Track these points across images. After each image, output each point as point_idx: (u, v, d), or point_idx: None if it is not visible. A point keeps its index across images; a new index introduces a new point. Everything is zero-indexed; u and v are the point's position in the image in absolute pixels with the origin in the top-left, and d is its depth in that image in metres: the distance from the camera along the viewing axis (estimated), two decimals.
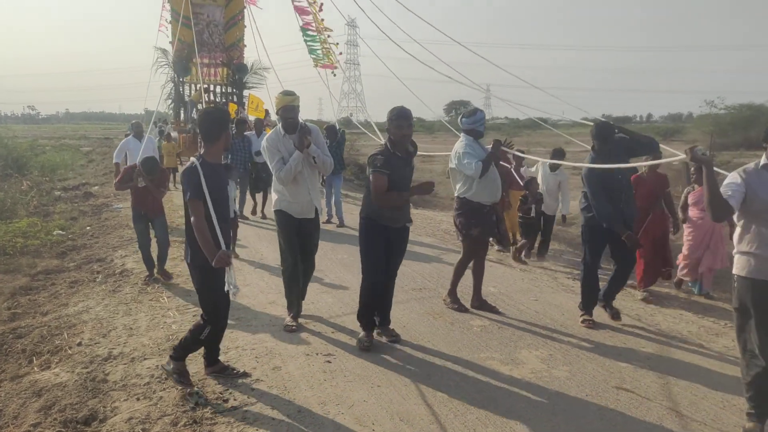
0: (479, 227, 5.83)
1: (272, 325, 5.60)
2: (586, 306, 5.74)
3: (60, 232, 10.58)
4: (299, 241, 5.47)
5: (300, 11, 16.28)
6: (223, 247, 3.96)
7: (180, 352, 4.30)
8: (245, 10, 21.72)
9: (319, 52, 16.26)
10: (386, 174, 4.77)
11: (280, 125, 5.40)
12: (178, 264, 7.71)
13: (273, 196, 5.55)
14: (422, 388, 4.24)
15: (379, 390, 4.22)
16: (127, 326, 5.66)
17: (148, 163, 7.08)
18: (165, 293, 6.68)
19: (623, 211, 5.45)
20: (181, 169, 11.91)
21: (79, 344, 5.24)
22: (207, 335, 4.22)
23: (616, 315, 5.78)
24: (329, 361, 4.74)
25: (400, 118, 4.85)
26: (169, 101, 23.65)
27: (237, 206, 9.38)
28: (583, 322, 5.66)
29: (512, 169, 8.82)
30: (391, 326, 5.29)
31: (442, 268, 7.55)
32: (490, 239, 6.64)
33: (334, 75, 16.74)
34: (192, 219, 3.96)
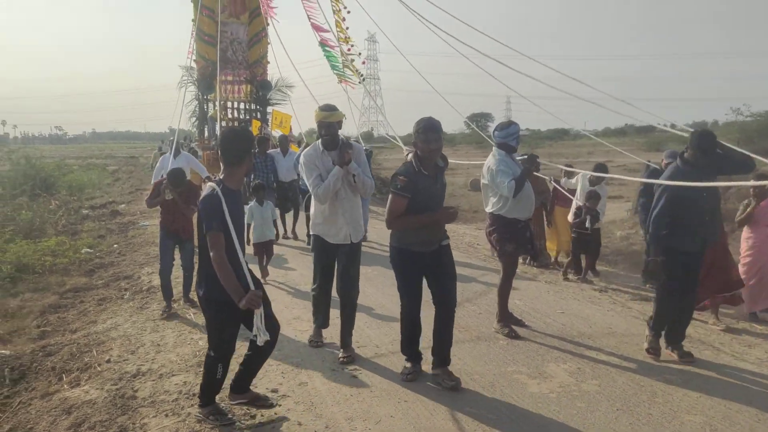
0: (514, 243, 5.64)
1: (297, 340, 5.60)
2: (658, 334, 5.14)
3: (88, 250, 10.74)
4: (339, 267, 5.13)
5: (317, 28, 16.34)
6: (252, 285, 3.65)
7: (205, 398, 4.03)
8: (269, 27, 21.96)
9: (341, 67, 16.23)
10: (406, 197, 4.31)
11: (319, 142, 5.08)
12: None
13: (311, 219, 5.25)
14: (450, 403, 4.21)
15: (406, 405, 4.20)
16: (154, 343, 5.71)
17: (173, 175, 6.78)
18: (191, 310, 6.74)
19: (705, 230, 4.91)
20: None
21: (108, 361, 5.29)
22: (222, 372, 3.94)
23: (685, 356, 4.98)
24: (355, 376, 4.72)
25: (428, 130, 4.35)
26: (194, 119, 23.96)
27: (275, 229, 8.65)
28: (648, 348, 5.10)
29: (559, 185, 8.48)
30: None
31: (465, 281, 7.51)
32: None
33: (362, 80, 16.54)
34: (212, 253, 3.59)
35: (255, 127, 16.05)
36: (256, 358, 4.08)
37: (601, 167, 8.23)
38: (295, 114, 14.31)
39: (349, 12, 15.33)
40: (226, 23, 21.58)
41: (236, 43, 22.52)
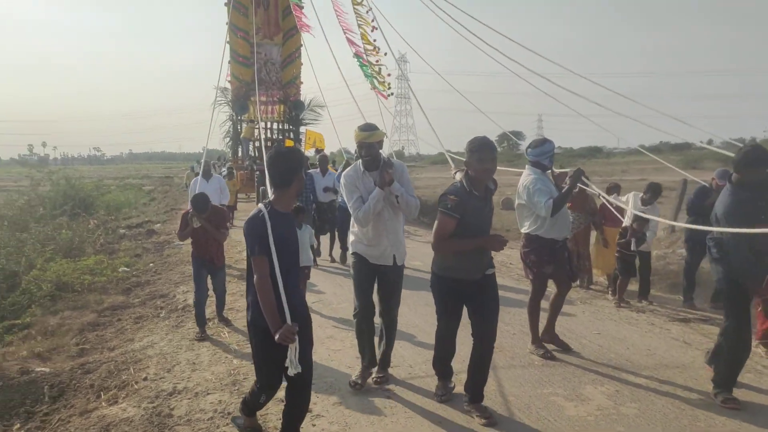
0: (552, 264, 5.47)
1: (331, 360, 5.60)
2: (729, 381, 4.52)
3: (125, 268, 10.94)
4: (379, 290, 4.89)
5: (351, 43, 16.33)
6: (288, 319, 3.40)
7: (247, 410, 3.98)
8: (302, 48, 22.12)
9: (374, 79, 16.07)
10: (456, 218, 4.09)
11: (360, 163, 4.84)
12: (237, 299, 7.83)
13: (350, 237, 4.97)
14: (485, 425, 4.15)
15: (441, 426, 4.16)
16: (190, 361, 5.77)
17: (196, 201, 6.63)
18: (225, 329, 6.79)
19: None
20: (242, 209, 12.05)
21: (145, 379, 5.36)
22: (265, 401, 3.84)
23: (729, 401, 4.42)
24: (389, 397, 4.70)
25: (483, 149, 4.13)
26: (227, 139, 24.32)
27: (312, 254, 8.08)
28: (724, 402, 4.39)
29: (608, 203, 7.77)
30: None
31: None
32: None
33: (391, 93, 16.50)
34: (255, 278, 3.44)
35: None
36: (292, 407, 3.74)
37: (654, 187, 7.83)
38: (336, 132, 14.32)
39: (374, 29, 15.37)
40: (260, 44, 21.80)
41: (270, 64, 22.87)
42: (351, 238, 4.92)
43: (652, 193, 7.78)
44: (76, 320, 7.74)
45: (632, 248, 7.50)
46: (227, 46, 22.21)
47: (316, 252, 10.02)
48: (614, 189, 8.66)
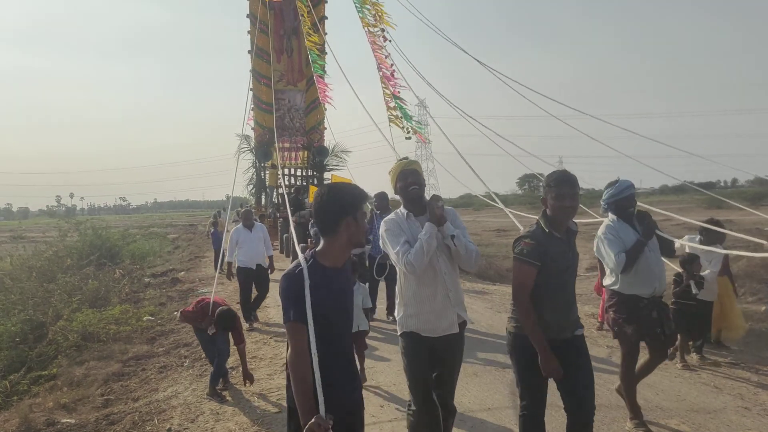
0: (634, 324, 4.64)
1: None
2: None
3: (150, 318, 11.03)
4: (437, 372, 3.78)
5: (388, 78, 16.30)
6: (322, 409, 2.53)
7: None
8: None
9: (413, 119, 15.75)
10: (536, 266, 3.49)
11: (402, 207, 3.94)
12: (260, 348, 7.82)
13: (398, 310, 3.88)
14: None
15: None
16: (213, 411, 5.76)
17: (224, 319, 6.14)
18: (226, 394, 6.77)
19: None
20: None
21: (169, 430, 5.36)
22: None
23: None
24: None
25: (562, 184, 3.54)
26: (251, 186, 24.58)
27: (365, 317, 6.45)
28: None
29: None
30: None
31: None
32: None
33: (408, 137, 16.45)
34: (289, 350, 2.68)
35: (312, 194, 16.28)
36: None
37: (714, 223, 6.75)
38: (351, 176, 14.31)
39: (393, 72, 15.49)
40: (283, 91, 22.21)
41: (293, 111, 23.25)
42: (400, 312, 3.84)
43: (710, 230, 6.60)
44: (101, 370, 7.80)
45: (694, 291, 6.45)
46: (250, 93, 22.72)
47: (370, 313, 7.95)
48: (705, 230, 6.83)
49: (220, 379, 6.40)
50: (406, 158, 4.04)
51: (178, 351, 8.50)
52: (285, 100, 22.75)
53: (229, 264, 9.53)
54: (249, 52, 22.49)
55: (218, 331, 6.18)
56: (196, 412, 5.78)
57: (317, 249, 2.82)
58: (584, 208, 7.99)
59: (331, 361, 2.71)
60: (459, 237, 3.72)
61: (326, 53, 18.04)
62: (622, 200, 4.70)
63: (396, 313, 3.88)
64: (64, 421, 5.98)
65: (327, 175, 22.92)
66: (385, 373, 6.46)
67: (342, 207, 2.76)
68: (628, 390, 4.78)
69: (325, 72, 16.09)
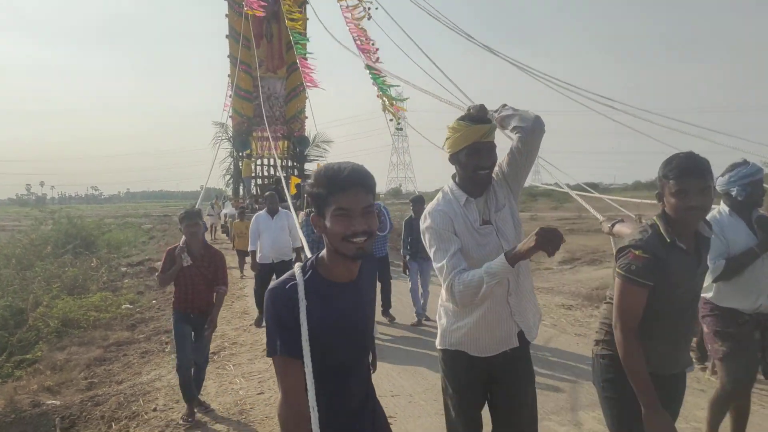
0: (730, 343, 3.73)
1: None
2: None
3: (128, 306, 11.14)
4: (495, 400, 2.89)
5: (363, 50, 16.04)
6: None
7: None
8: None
9: (387, 88, 15.42)
10: (648, 287, 2.51)
11: (450, 184, 2.91)
12: (240, 335, 8.02)
13: (441, 318, 2.94)
14: None
15: None
16: None
17: (189, 215, 5.37)
18: (231, 361, 6.99)
19: None
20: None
21: (155, 409, 5.56)
22: None
23: None
24: None
25: (685, 174, 2.48)
26: (228, 177, 24.02)
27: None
28: None
29: None
30: None
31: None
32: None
33: (398, 126, 16.15)
34: (280, 395, 1.94)
35: (293, 185, 15.97)
36: None
37: None
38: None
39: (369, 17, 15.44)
40: (263, 78, 20.95)
41: (273, 98, 22.32)
42: (442, 320, 2.92)
43: None
44: (83, 355, 7.93)
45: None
46: (228, 80, 21.97)
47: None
48: None
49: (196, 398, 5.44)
50: (480, 116, 2.79)
51: (159, 337, 8.66)
52: (265, 87, 21.54)
53: (253, 253, 8.69)
54: (227, 36, 21.76)
55: (188, 233, 5.25)
56: (180, 393, 5.98)
57: (319, 255, 2.07)
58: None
59: (339, 410, 2.05)
60: (510, 111, 2.84)
61: (308, 40, 17.67)
62: (758, 182, 3.73)
63: (437, 318, 2.97)
64: (50, 402, 6.12)
65: (307, 165, 22.48)
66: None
67: (326, 187, 1.95)
68: (712, 416, 3.89)
69: (307, 51, 15.70)
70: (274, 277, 8.28)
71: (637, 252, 2.52)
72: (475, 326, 2.76)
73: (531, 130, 2.73)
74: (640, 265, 2.50)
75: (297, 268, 2.03)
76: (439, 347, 2.92)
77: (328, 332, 1.96)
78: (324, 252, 2.04)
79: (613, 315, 2.61)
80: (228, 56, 21.41)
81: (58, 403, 6.13)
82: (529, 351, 2.91)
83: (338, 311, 2.00)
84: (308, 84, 14.75)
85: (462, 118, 2.80)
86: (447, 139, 2.83)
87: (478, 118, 2.77)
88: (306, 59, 15.14)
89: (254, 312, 9.40)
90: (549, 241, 2.28)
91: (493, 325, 2.76)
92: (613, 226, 3.22)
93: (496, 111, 2.86)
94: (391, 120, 15.07)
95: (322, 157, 22.77)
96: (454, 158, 2.84)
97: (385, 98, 14.32)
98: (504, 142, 2.88)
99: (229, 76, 22.25)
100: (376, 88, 14.45)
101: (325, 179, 1.91)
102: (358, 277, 2.07)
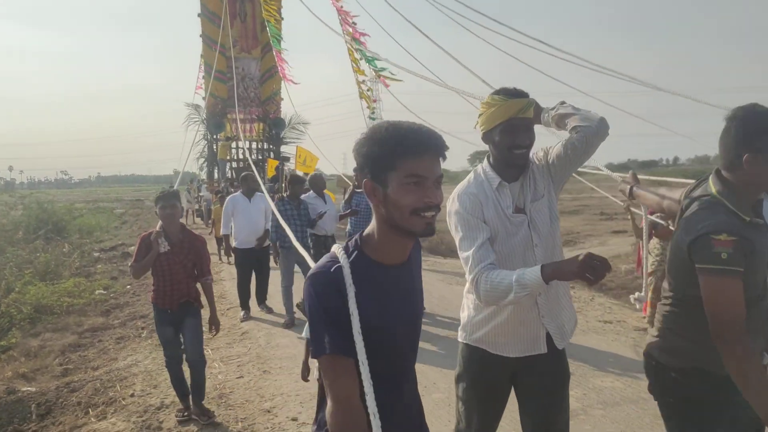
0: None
1: None
2: None
3: (102, 291, 11.00)
4: (527, 411, 2.69)
5: (346, 24, 15.71)
6: None
7: None
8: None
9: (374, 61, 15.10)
10: (740, 273, 2.08)
11: (483, 165, 2.66)
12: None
13: (463, 311, 2.74)
14: None
15: None
16: None
17: (167, 195, 4.76)
18: (209, 346, 6.94)
19: None
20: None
21: (132, 395, 5.51)
22: None
23: None
24: None
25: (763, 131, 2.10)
26: (202, 160, 23.50)
27: None
28: None
29: None
30: None
31: None
32: None
33: (372, 114, 15.91)
34: (328, 403, 1.60)
35: (271, 168, 15.66)
36: None
37: None
38: (322, 154, 13.50)
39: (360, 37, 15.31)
40: (237, 58, 20.24)
41: (248, 80, 21.74)
42: (464, 312, 2.72)
43: None
44: (57, 342, 7.83)
45: None
46: (201, 60, 21.33)
47: None
48: None
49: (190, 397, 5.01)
50: (518, 91, 2.55)
51: (135, 323, 8.58)
52: (239, 68, 21.09)
53: (226, 237, 8.36)
54: (199, 15, 21.06)
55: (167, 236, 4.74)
56: (158, 378, 5.93)
57: (363, 233, 1.75)
58: None
59: (392, 410, 1.71)
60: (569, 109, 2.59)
61: (282, 18, 17.09)
62: None
63: (460, 310, 2.76)
64: (25, 389, 6.04)
65: (284, 148, 22.12)
66: None
67: (395, 148, 1.61)
68: None
69: (281, 39, 15.48)
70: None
71: (721, 237, 2.09)
72: (497, 323, 2.56)
73: (595, 132, 2.49)
74: (731, 251, 2.07)
75: (337, 250, 1.71)
76: (459, 341, 2.73)
77: (384, 325, 1.68)
78: (371, 228, 1.72)
79: (711, 325, 2.10)
80: (200, 35, 20.80)
81: (33, 389, 6.06)
82: (565, 357, 2.69)
83: (392, 299, 1.72)
84: (288, 81, 14.56)
85: (497, 92, 2.56)
86: (480, 115, 2.57)
87: (514, 92, 2.53)
88: (280, 53, 14.95)
89: (231, 297, 9.32)
90: (593, 269, 2.02)
91: (516, 325, 2.53)
92: (632, 189, 2.93)
93: (552, 108, 2.63)
94: (366, 107, 15.09)
95: (298, 139, 22.39)
96: (487, 137, 2.57)
97: (366, 78, 14.26)
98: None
99: (202, 56, 21.69)
100: (354, 74, 14.42)
101: (393, 139, 1.57)
102: (408, 259, 1.79)
